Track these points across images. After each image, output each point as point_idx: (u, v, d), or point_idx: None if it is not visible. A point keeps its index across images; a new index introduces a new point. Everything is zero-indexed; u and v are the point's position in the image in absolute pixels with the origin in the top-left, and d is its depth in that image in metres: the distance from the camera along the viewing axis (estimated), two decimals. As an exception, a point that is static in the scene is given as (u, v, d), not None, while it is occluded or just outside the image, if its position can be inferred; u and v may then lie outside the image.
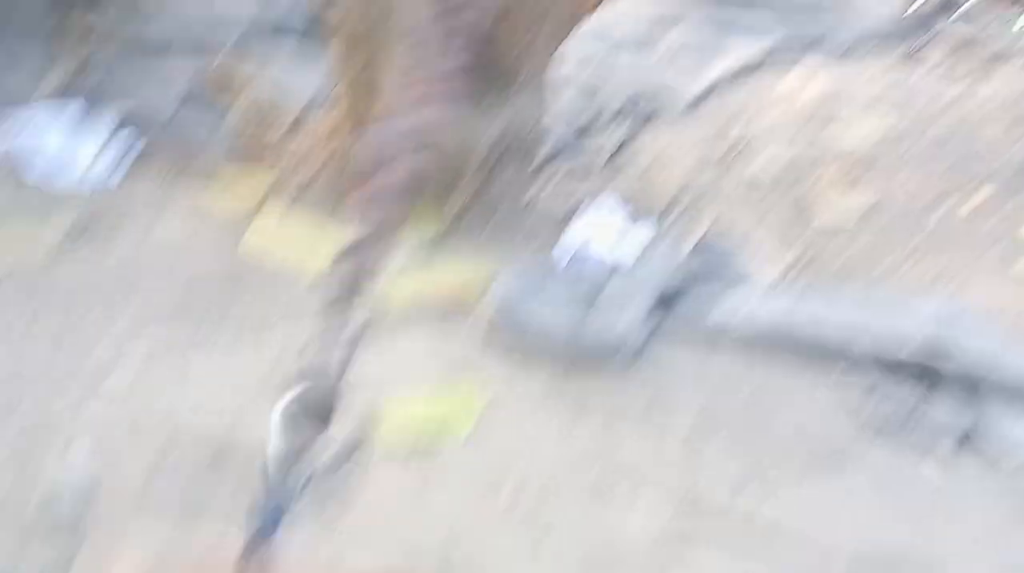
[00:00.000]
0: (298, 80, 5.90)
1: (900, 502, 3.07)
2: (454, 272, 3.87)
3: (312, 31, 6.09)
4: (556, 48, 4.62)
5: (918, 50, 7.59)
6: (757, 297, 4.18)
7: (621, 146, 6.12)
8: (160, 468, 2.62)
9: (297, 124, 5.34)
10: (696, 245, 4.62)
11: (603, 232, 4.36)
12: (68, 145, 4.58)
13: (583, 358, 3.44)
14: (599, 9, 4.72)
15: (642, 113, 6.46)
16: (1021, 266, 5.14)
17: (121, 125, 4.89)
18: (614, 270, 4.02)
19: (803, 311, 4.09)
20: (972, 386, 3.70)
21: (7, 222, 3.98)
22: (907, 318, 4.16)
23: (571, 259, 4.20)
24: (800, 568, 2.72)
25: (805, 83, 6.74)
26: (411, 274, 3.81)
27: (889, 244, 5.31)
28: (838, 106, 6.57)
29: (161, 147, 4.89)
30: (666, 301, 3.92)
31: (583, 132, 6.13)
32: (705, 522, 2.82)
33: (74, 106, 4.84)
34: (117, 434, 2.72)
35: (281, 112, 5.39)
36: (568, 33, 4.65)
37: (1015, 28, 8.59)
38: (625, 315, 3.61)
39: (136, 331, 3.31)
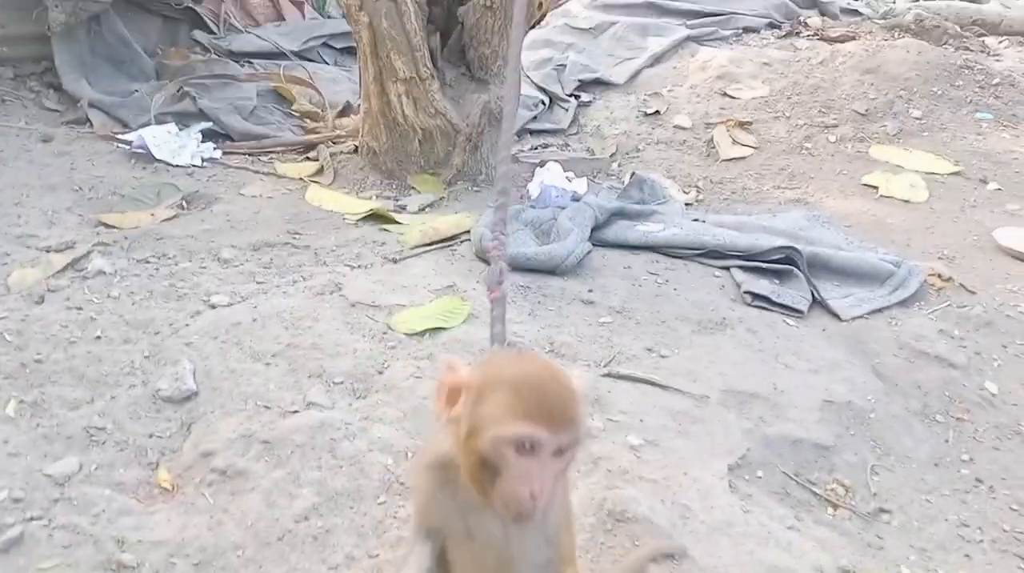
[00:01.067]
0: (340, 85, 6.09)
1: (761, 356, 3.27)
2: (449, 220, 4.04)
3: (350, 46, 6.26)
4: (519, 42, 4.68)
5: (793, 32, 7.69)
6: (669, 217, 4.39)
7: (578, 112, 6.28)
8: (245, 377, 2.77)
9: (341, 116, 5.53)
10: (631, 180, 4.77)
11: (558, 178, 4.51)
12: (175, 142, 4.78)
13: (541, 269, 3.63)
14: (546, 15, 4.84)
15: (592, 87, 6.60)
16: (868, 178, 5.30)
17: (211, 127, 5.09)
18: (565, 204, 4.20)
19: (699, 227, 4.31)
20: (817, 270, 3.94)
21: (144, 185, 4.22)
22: (774, 224, 4.41)
23: (536, 198, 4.38)
24: (687, 402, 2.93)
25: (710, 60, 6.83)
26: (419, 222, 4.04)
27: (770, 172, 5.48)
28: (735, 75, 6.66)
29: (241, 140, 5.08)
30: (605, 223, 4.11)
31: (551, 104, 6.28)
32: (623, 370, 3.02)
33: (175, 119, 5.03)
34: (220, 339, 2.91)
35: (329, 109, 5.58)
36: (526, 30, 4.69)
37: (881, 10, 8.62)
38: (571, 237, 3.80)
39: (234, 262, 3.49)
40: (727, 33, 7.50)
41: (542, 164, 4.64)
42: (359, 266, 3.52)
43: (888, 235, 4.64)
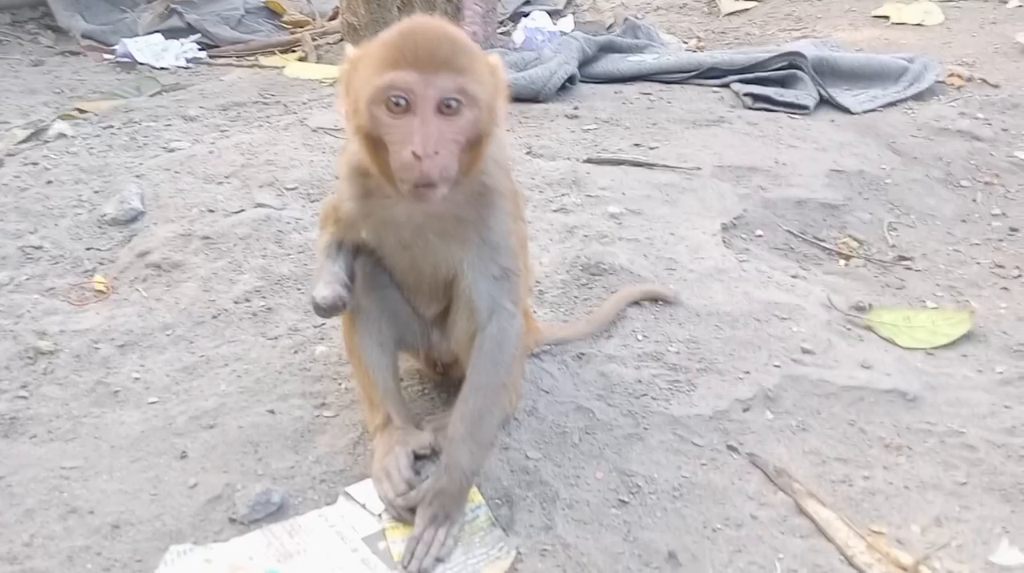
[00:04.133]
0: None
1: (762, 140, 2.88)
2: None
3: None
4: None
5: None
6: (663, 50, 3.98)
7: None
8: (194, 194, 2.49)
9: (331, 20, 5.22)
10: (624, 25, 4.36)
11: (544, 22, 4.14)
12: (159, 46, 4.53)
13: (524, 94, 3.27)
14: None
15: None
16: (879, 11, 4.79)
17: (196, 36, 4.83)
18: (552, 38, 3.83)
19: (695, 54, 3.88)
20: (825, 75, 3.48)
21: (123, 85, 3.96)
22: (770, 47, 3.95)
23: (520, 44, 4.01)
24: (675, 175, 2.55)
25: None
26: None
27: (775, 18, 4.99)
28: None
29: (229, 44, 4.81)
30: (594, 58, 3.73)
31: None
32: (615, 157, 2.66)
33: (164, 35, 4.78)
34: (172, 171, 2.63)
35: (319, 17, 5.28)
36: None
37: None
38: (553, 64, 3.43)
39: (200, 119, 3.21)
40: None
41: (527, 14, 4.25)
42: (329, 109, 3.20)
43: (901, 52, 4.14)
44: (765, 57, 3.53)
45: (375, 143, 1.24)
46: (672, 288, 1.94)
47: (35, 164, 2.78)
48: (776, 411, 1.63)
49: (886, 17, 4.76)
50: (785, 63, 3.49)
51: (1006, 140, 2.98)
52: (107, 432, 1.59)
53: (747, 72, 3.51)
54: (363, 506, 1.39)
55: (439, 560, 1.30)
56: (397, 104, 1.20)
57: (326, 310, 1.36)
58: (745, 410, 1.62)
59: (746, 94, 3.28)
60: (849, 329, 1.90)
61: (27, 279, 2.11)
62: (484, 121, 1.25)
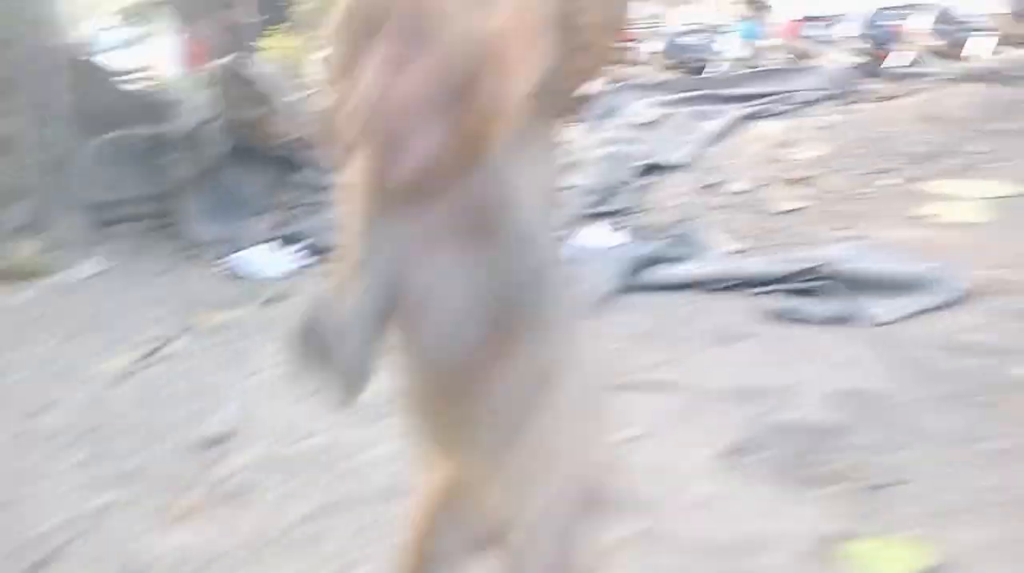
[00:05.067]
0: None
1: (777, 356, 3.16)
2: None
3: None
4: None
5: (852, 100, 7.58)
6: (707, 259, 4.35)
7: (640, 194, 6.34)
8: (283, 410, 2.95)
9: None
10: (674, 233, 4.78)
11: (601, 236, 4.59)
12: (272, 258, 5.22)
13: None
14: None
15: (654, 172, 6.69)
16: (920, 210, 5.07)
17: (304, 246, 5.51)
18: (595, 254, 4.26)
19: (733, 263, 4.24)
20: (849, 286, 3.76)
21: (235, 296, 4.59)
22: (809, 254, 4.25)
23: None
24: (689, 397, 2.85)
25: (767, 131, 6.84)
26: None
27: (825, 217, 5.34)
28: (793, 140, 6.62)
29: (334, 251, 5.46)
30: (640, 268, 4.12)
31: (614, 188, 6.38)
32: (637, 378, 2.98)
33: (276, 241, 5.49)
34: (270, 393, 3.11)
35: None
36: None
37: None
38: (601, 277, 3.84)
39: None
40: (785, 108, 7.51)
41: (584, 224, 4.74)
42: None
43: (942, 254, 4.38)
44: (796, 269, 3.85)
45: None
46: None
47: (152, 382, 3.34)
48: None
49: (934, 215, 5.02)
50: (814, 276, 3.80)
51: (1017, 353, 3.16)
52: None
53: (779, 282, 3.83)
54: None
55: None
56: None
57: None
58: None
59: (778, 308, 3.59)
60: (822, 561, 2.11)
61: (129, 502, 2.57)
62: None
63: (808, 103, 7.68)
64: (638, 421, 2.68)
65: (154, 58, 11.83)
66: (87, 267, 5.26)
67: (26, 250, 5.24)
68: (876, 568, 2.08)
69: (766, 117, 7.39)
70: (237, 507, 2.46)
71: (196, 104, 6.00)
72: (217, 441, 2.83)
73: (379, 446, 2.65)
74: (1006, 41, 8.62)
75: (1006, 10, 9.17)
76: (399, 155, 1.01)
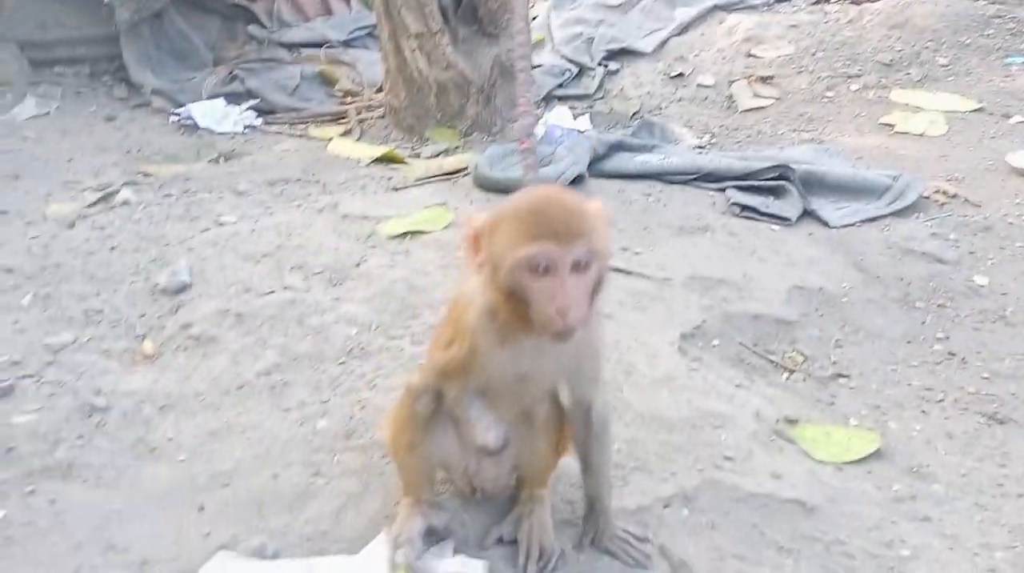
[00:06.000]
0: (380, 67, 6.23)
1: (737, 252, 3.20)
2: (455, 158, 4.11)
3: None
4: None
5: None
6: (670, 151, 4.33)
7: (605, 79, 6.23)
8: (234, 271, 2.89)
9: (379, 92, 5.67)
10: (639, 123, 4.73)
11: (564, 118, 4.51)
12: (220, 112, 5.02)
13: (535, 188, 3.62)
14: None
15: (621, 57, 6.55)
16: (881, 118, 5.11)
17: (255, 101, 5.31)
18: (568, 135, 4.20)
19: (698, 155, 4.24)
20: (813, 186, 3.81)
21: (184, 149, 4.42)
22: (777, 155, 4.27)
23: (540, 138, 4.37)
24: (652, 284, 2.89)
25: (736, 25, 6.71)
26: (428, 161, 4.12)
27: (788, 118, 5.34)
28: (762, 37, 6.53)
29: (282, 112, 5.27)
30: (604, 155, 4.09)
31: (579, 73, 6.25)
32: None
33: (226, 99, 5.27)
34: (219, 246, 3.03)
35: (367, 87, 5.74)
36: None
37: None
38: (563, 162, 3.80)
39: (249, 193, 3.62)
40: (756, 2, 7.34)
41: (561, 102, 4.65)
42: (360, 192, 3.61)
43: (899, 164, 4.43)
44: (759, 167, 3.87)
45: (516, 298, 1.51)
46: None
47: (102, 229, 3.23)
48: (692, 509, 1.95)
49: (892, 125, 5.07)
50: (776, 174, 3.83)
51: (969, 264, 3.28)
52: (143, 483, 1.97)
53: (741, 179, 3.85)
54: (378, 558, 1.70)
55: None
56: (540, 269, 1.47)
57: (497, 450, 1.67)
58: (665, 507, 1.95)
59: (734, 203, 3.62)
60: (772, 440, 2.21)
61: (89, 340, 2.53)
62: (605, 266, 1.55)
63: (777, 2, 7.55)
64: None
65: None
66: (26, 108, 4.98)
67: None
68: (822, 451, 2.20)
69: (739, 9, 7.23)
70: (196, 356, 2.45)
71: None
72: (172, 291, 2.78)
73: (340, 308, 2.64)
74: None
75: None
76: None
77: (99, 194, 3.60)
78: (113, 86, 5.77)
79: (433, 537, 1.77)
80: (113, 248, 3.06)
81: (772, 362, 2.61)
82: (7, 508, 1.86)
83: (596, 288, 1.54)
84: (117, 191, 3.61)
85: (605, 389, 1.78)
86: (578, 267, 1.48)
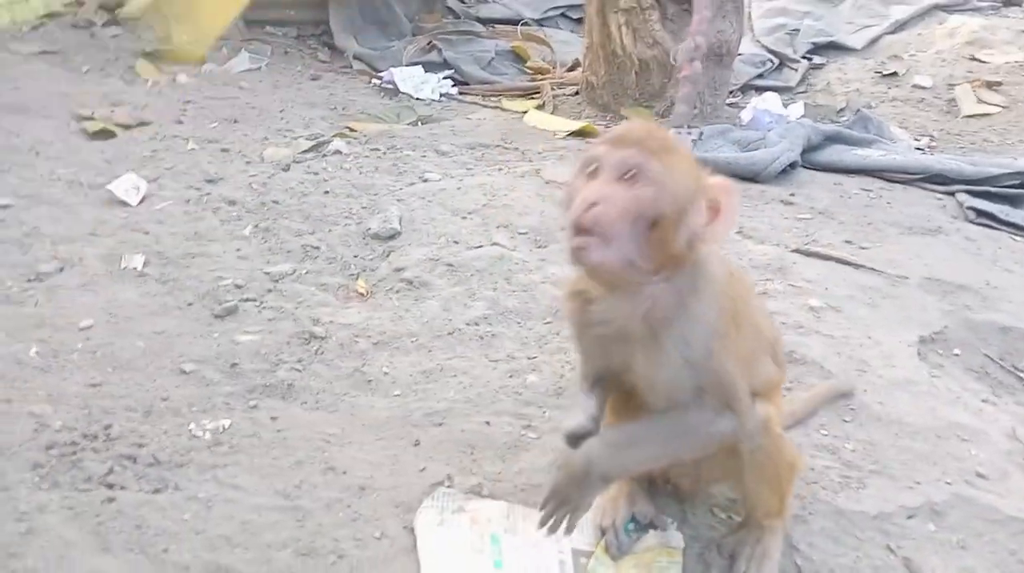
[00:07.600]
0: (572, 47, 6.19)
1: (977, 258, 2.93)
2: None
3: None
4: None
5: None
6: (891, 147, 4.04)
7: (810, 70, 5.92)
8: (443, 223, 2.87)
9: (570, 71, 5.63)
10: (855, 116, 4.44)
11: (774, 104, 4.30)
12: (419, 79, 5.11)
13: (744, 173, 3.45)
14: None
15: (826, 51, 6.21)
16: None
17: (452, 75, 5.38)
18: (779, 122, 3.99)
19: (925, 157, 3.92)
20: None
21: (386, 111, 4.52)
22: (1011, 163, 3.89)
23: (747, 123, 4.19)
24: (880, 280, 2.68)
25: (959, 27, 6.22)
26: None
27: (1018, 128, 4.89)
28: (987, 41, 6.02)
29: (475, 84, 5.32)
30: (819, 146, 3.85)
31: (780, 65, 5.97)
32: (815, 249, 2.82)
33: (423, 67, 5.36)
34: (426, 199, 3.05)
35: (559, 66, 5.71)
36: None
37: None
38: (778, 147, 3.61)
39: (450, 154, 3.65)
40: (982, 4, 6.79)
41: (758, 88, 4.43)
42: (560, 162, 3.55)
43: None
44: (996, 172, 3.54)
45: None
46: (851, 384, 2.09)
47: (315, 174, 3.32)
48: (939, 525, 1.75)
49: None
50: (1017, 182, 3.48)
51: None
52: (360, 412, 1.97)
53: (975, 184, 3.53)
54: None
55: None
56: (587, 171, 1.35)
57: (571, 440, 1.49)
58: (909, 517, 1.76)
59: (970, 207, 3.32)
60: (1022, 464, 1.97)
61: (306, 273, 2.59)
62: (667, 209, 1.30)
63: (1013, 3, 6.93)
64: (826, 291, 2.53)
65: None
66: (240, 62, 5.24)
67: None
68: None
69: (962, 10, 6.71)
70: (408, 299, 2.45)
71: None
72: (384, 237, 2.81)
73: (546, 269, 2.58)
74: None
75: None
76: (596, 251, 1.31)
77: (311, 143, 3.71)
78: (317, 49, 5.99)
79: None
80: (327, 192, 3.13)
81: (1022, 380, 2.34)
82: (232, 418, 1.90)
83: (658, 234, 1.30)
84: (329, 141, 3.71)
85: (747, 412, 1.45)
86: (626, 177, 1.31)
